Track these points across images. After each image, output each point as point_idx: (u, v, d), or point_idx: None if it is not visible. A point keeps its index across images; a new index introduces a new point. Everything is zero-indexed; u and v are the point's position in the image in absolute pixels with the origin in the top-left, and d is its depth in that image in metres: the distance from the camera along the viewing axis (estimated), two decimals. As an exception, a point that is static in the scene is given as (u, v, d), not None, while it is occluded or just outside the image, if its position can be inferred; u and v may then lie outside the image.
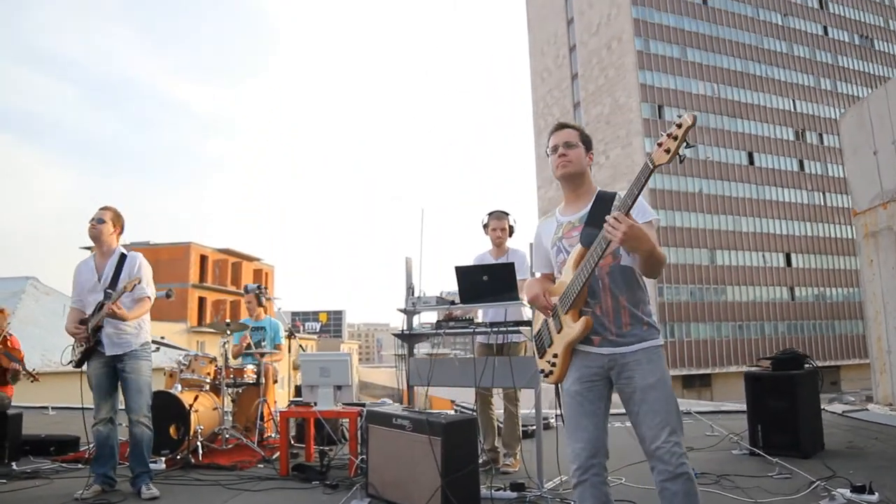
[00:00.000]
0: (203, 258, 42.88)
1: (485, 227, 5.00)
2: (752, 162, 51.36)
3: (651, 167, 2.09)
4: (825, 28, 57.39)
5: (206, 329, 35.80)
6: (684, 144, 2.01)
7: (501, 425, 4.94)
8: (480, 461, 4.03)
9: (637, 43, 50.00)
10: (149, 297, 4.32)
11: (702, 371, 46.96)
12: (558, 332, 2.50)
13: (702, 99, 50.81)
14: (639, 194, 2.16)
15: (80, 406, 4.29)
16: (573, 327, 2.43)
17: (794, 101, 54.16)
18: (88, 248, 4.38)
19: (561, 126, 2.66)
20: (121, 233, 4.42)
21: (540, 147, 62.79)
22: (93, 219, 4.29)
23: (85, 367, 4.27)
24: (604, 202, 2.45)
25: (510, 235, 5.00)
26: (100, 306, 4.15)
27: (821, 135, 54.93)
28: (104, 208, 4.36)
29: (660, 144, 2.06)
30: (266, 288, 5.98)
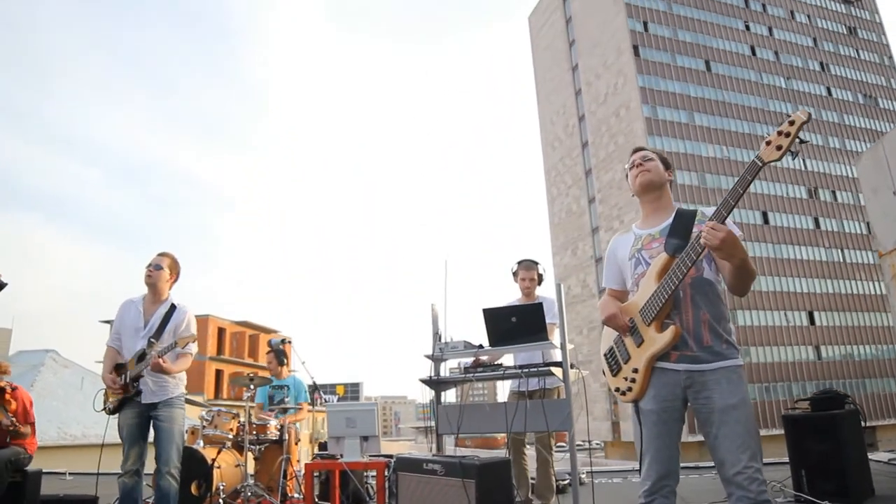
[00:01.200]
0: (221, 331, 42.97)
1: (514, 275, 5.04)
2: (766, 221, 51.31)
3: (759, 165, 2.09)
4: (829, 89, 58.51)
5: (222, 402, 35.44)
6: (797, 141, 2.04)
7: (533, 480, 4.78)
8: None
9: (645, 110, 51.13)
10: (191, 354, 4.27)
11: (730, 436, 45.34)
12: (638, 346, 2.42)
13: (712, 161, 51.41)
14: (743, 193, 2.13)
15: (97, 472, 4.19)
16: (659, 338, 2.34)
17: (804, 160, 54.58)
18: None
19: (638, 149, 2.69)
20: (176, 280, 4.42)
21: (553, 215, 63.36)
22: (150, 265, 4.27)
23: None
24: (685, 216, 2.43)
25: (539, 284, 5.00)
26: (141, 355, 4.11)
27: (834, 192, 55.04)
28: (163, 254, 4.36)
29: (768, 143, 2.07)
30: (290, 341, 5.93)
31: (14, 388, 5.29)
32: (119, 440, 4.18)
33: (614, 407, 50.67)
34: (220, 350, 42.44)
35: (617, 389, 2.50)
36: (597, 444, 54.10)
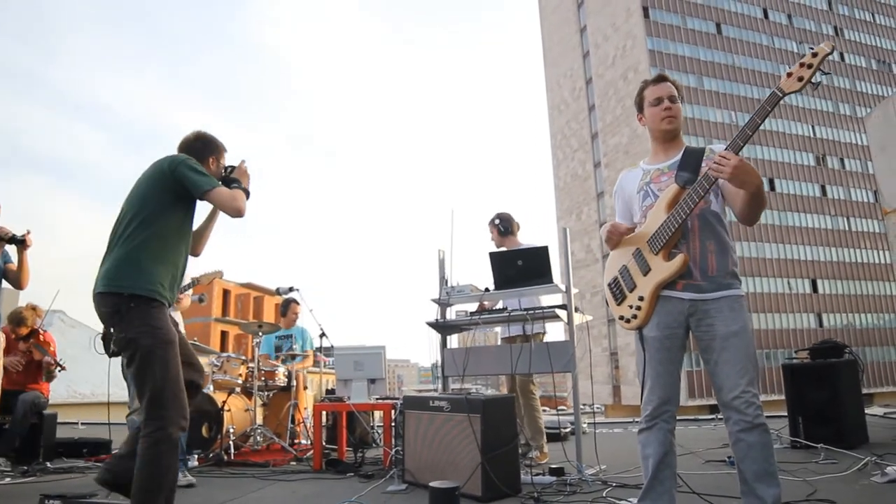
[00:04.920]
0: (226, 292, 43.25)
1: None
2: (773, 188, 50.94)
3: (780, 95, 2.09)
4: (842, 54, 57.41)
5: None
6: (819, 73, 2.04)
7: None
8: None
9: (653, 73, 49.99)
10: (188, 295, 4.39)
11: (730, 401, 45.89)
12: (644, 275, 2.46)
13: (720, 127, 50.79)
14: (761, 123, 2.13)
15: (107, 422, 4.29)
16: (667, 266, 2.38)
17: (813, 126, 53.94)
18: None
19: (662, 78, 2.59)
20: None
21: (559, 179, 62.99)
22: None
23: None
24: (694, 152, 2.44)
25: (504, 234, 5.03)
26: None
27: (842, 159, 54.49)
28: None
29: (790, 74, 2.08)
30: (297, 290, 6.00)
31: (45, 332, 5.60)
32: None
33: (615, 371, 51.15)
34: (224, 311, 42.77)
35: (621, 317, 2.54)
36: (597, 407, 54.76)
